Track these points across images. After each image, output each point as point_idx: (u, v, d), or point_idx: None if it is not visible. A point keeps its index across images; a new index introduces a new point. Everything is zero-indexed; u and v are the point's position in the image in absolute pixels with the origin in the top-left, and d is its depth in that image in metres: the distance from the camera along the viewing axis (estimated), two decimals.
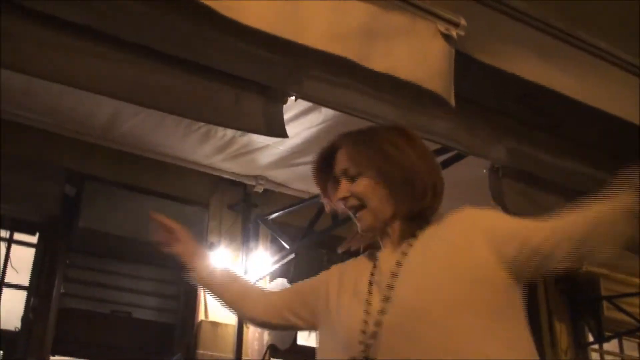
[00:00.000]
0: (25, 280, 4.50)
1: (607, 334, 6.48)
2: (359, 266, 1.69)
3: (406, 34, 2.49)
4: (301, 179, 4.90)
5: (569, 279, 6.47)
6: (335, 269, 1.77)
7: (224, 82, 2.69)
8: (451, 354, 1.41)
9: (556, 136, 3.29)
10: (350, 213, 1.64)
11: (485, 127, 3.21)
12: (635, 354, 7.05)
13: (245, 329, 4.81)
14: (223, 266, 2.11)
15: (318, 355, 1.65)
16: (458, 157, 3.57)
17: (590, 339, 6.53)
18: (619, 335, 6.72)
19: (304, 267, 4.74)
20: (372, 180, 1.61)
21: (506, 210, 3.40)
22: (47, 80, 2.64)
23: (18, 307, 4.43)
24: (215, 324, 4.77)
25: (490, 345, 1.43)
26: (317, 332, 1.71)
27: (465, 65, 2.66)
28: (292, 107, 3.61)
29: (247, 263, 4.98)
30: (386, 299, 1.51)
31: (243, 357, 4.73)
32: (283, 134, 2.83)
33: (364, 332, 1.50)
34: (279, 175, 4.91)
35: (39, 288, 4.42)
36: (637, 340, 7.04)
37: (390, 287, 1.52)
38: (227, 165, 4.78)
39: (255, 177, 4.94)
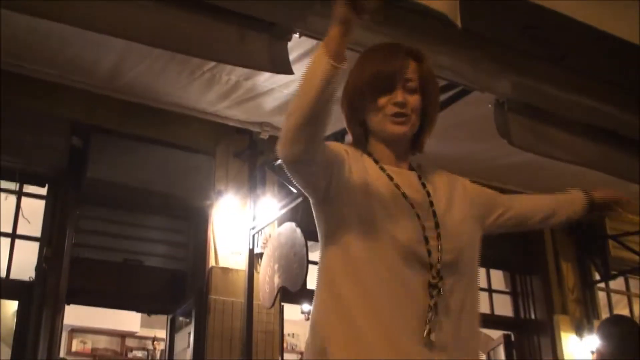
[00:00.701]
0: (37, 232, 4.56)
1: (613, 272, 6.56)
2: (371, 167, 1.71)
3: None
4: None
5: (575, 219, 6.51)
6: (348, 152, 1.72)
7: (228, 19, 2.69)
8: (477, 301, 1.69)
9: (561, 68, 3.28)
10: (391, 117, 1.71)
11: (489, 61, 3.21)
12: None
13: (255, 273, 4.88)
14: None
15: (349, 240, 1.60)
16: (463, 94, 3.58)
17: (597, 277, 6.61)
18: (624, 273, 6.80)
19: (311, 211, 4.77)
20: (421, 103, 1.74)
21: (512, 143, 3.42)
22: (47, 19, 2.62)
23: (32, 258, 4.49)
24: (225, 270, 4.84)
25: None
26: (332, 207, 1.63)
27: None
28: (296, 47, 3.60)
29: (255, 209, 5.03)
30: (437, 225, 1.65)
31: (254, 301, 4.81)
32: (288, 71, 2.85)
33: (429, 252, 1.60)
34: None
35: (51, 239, 4.48)
36: None
37: (436, 214, 1.68)
38: (232, 112, 4.79)
39: (260, 124, 4.95)
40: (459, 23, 2.45)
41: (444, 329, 1.55)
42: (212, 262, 4.83)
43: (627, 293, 7.06)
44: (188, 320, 4.96)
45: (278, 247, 4.59)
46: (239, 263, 4.93)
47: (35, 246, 4.52)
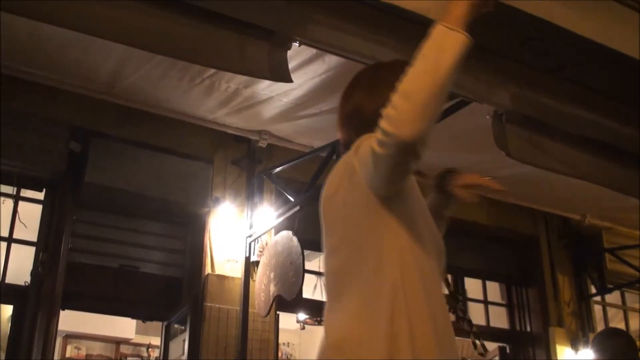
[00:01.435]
0: (33, 236, 4.55)
1: (609, 286, 6.56)
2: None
3: None
4: (304, 133, 4.92)
5: (572, 233, 6.53)
6: None
7: (229, 27, 2.70)
8: None
9: (560, 81, 3.29)
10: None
11: (489, 72, 3.21)
12: (637, 305, 7.13)
13: (251, 281, 4.87)
14: None
15: (407, 238, 1.55)
16: (461, 105, 3.59)
17: (593, 290, 6.61)
18: (620, 287, 6.80)
19: (308, 220, 4.78)
20: None
21: (510, 155, 3.43)
22: (49, 24, 2.62)
23: (27, 263, 4.47)
24: (221, 277, 4.84)
25: None
26: (397, 208, 1.56)
27: None
28: (296, 56, 3.62)
29: (252, 217, 5.03)
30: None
31: (250, 309, 4.80)
32: (287, 79, 2.85)
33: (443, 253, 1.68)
34: (282, 129, 4.92)
35: (47, 243, 4.47)
36: (639, 292, 7.11)
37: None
38: (231, 120, 4.79)
39: (259, 132, 4.96)
40: None
41: None
42: (208, 270, 4.82)
43: (624, 307, 7.06)
44: (183, 327, 4.95)
45: (274, 256, 4.59)
46: (235, 271, 4.92)
47: (31, 250, 4.51)
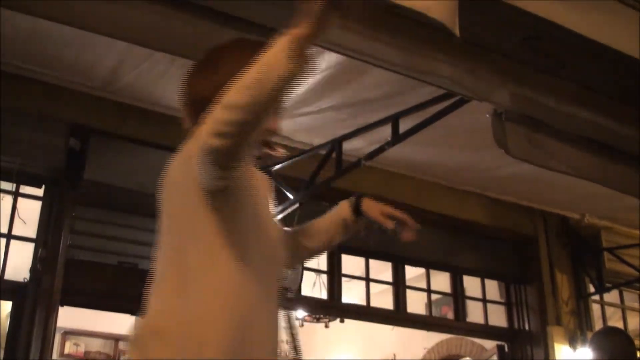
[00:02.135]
0: (32, 233, 4.54)
1: (608, 285, 6.57)
2: (255, 174, 1.73)
3: None
4: (304, 131, 4.91)
5: (571, 232, 6.53)
6: None
7: (226, 23, 2.69)
8: None
9: (560, 79, 3.29)
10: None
11: (489, 71, 3.22)
12: (636, 304, 7.14)
13: None
14: None
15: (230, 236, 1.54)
16: (461, 103, 3.59)
17: (591, 290, 6.61)
18: (619, 286, 6.81)
19: (307, 217, 4.78)
20: None
21: (509, 153, 3.43)
22: (48, 20, 2.62)
23: (26, 259, 4.47)
24: None
25: None
26: (224, 205, 1.55)
27: (468, 6, 2.65)
28: None
29: None
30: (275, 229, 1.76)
31: None
32: None
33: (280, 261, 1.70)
34: (282, 127, 4.90)
35: (46, 240, 4.47)
36: (638, 291, 7.13)
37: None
38: None
39: None
40: (457, 32, 2.45)
41: None
42: None
43: (622, 306, 7.07)
44: None
45: None
46: None
47: (30, 247, 4.51)
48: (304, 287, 5.47)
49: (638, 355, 5.95)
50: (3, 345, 4.47)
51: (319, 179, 4.55)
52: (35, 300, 4.34)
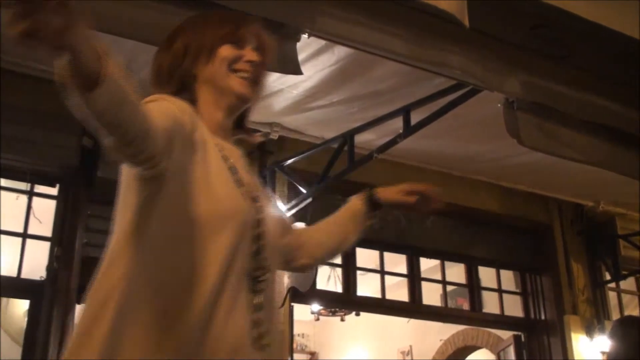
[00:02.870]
0: (48, 232, 4.58)
1: (624, 272, 6.53)
2: (206, 134, 1.48)
3: None
4: (315, 125, 4.92)
5: (586, 219, 6.51)
6: (191, 116, 1.44)
7: None
8: None
9: (569, 67, 3.28)
10: (243, 74, 1.54)
11: (498, 60, 3.21)
12: None
13: None
14: None
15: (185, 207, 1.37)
16: (472, 93, 3.58)
17: (607, 277, 6.59)
18: (635, 274, 6.77)
19: (320, 211, 4.79)
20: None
21: (522, 143, 3.42)
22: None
23: (43, 258, 4.51)
24: None
25: None
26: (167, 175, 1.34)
27: None
28: (305, 48, 3.62)
29: None
30: (255, 199, 1.51)
31: None
32: (297, 71, 2.86)
33: (254, 227, 1.45)
34: (293, 121, 4.92)
35: (62, 238, 4.50)
36: None
37: (257, 196, 1.53)
38: None
39: (270, 124, 4.96)
40: (466, 23, 2.45)
41: None
42: None
43: (638, 293, 7.03)
44: None
45: None
46: None
47: (46, 246, 4.54)
48: (318, 281, 5.48)
49: None
50: (21, 343, 4.52)
51: (332, 172, 4.55)
52: (52, 298, 4.37)
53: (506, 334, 6.67)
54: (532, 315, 6.45)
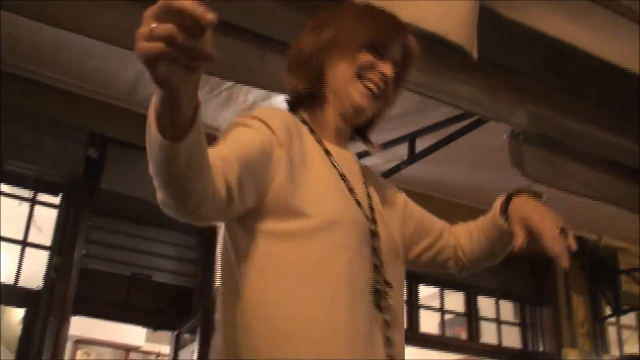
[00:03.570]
0: (47, 240, 4.56)
1: (625, 307, 6.49)
2: (309, 142, 1.41)
3: None
4: None
5: (588, 253, 6.48)
6: (287, 130, 1.36)
7: (249, 40, 2.70)
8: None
9: (578, 101, 3.27)
10: (369, 84, 1.46)
11: (508, 91, 3.20)
12: None
13: None
14: None
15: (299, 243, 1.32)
16: (478, 123, 3.57)
17: (608, 312, 6.54)
18: (636, 309, 6.73)
19: None
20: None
21: (527, 176, 3.41)
22: (59, 28, 2.62)
23: (41, 267, 4.49)
24: None
25: None
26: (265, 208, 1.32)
27: (489, 27, 2.65)
28: None
29: None
30: (371, 208, 1.45)
31: None
32: None
33: (374, 249, 1.37)
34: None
35: (61, 248, 4.48)
36: None
37: (372, 204, 1.46)
38: None
39: None
40: (475, 54, 2.45)
41: None
42: (219, 281, 4.80)
43: (638, 329, 6.98)
44: (193, 337, 4.94)
45: None
46: None
47: (45, 255, 4.52)
48: None
49: None
50: (15, 350, 4.49)
51: None
52: (48, 307, 4.34)
53: None
54: (530, 347, 6.41)
